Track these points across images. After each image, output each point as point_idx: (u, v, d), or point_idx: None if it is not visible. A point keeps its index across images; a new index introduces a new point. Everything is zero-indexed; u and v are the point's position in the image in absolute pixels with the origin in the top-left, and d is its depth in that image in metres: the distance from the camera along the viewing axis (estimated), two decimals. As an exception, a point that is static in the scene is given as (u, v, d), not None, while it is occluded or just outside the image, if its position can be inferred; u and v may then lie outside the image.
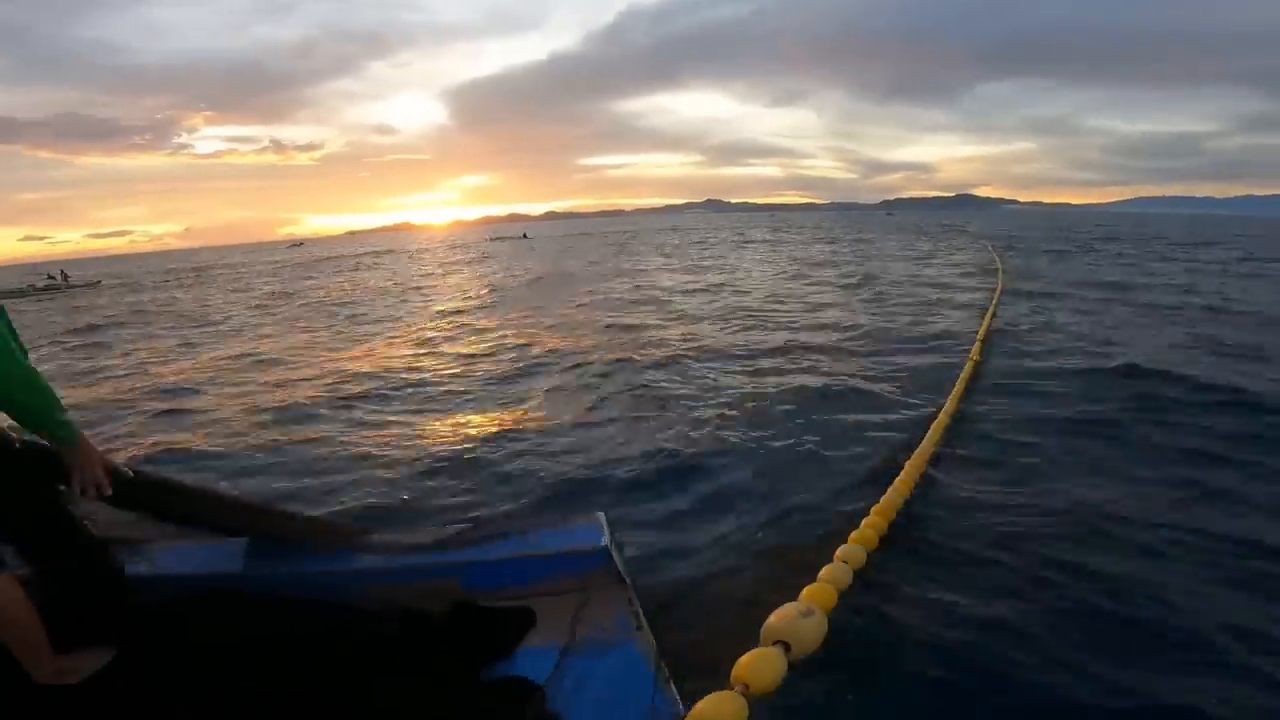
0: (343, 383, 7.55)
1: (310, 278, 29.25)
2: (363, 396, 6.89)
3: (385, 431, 5.64)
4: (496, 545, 1.91)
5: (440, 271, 27.98)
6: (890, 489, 3.00)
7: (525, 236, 72.37)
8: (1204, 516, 3.36)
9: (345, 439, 5.41)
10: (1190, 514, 3.39)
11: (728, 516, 3.56)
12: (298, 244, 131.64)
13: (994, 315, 8.96)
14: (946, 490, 3.66)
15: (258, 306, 17.81)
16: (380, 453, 5.00)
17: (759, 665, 1.41)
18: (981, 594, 2.65)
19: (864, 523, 2.53)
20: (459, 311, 13.76)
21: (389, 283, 23.28)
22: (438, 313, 13.82)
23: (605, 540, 1.86)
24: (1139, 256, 21.55)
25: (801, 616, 1.56)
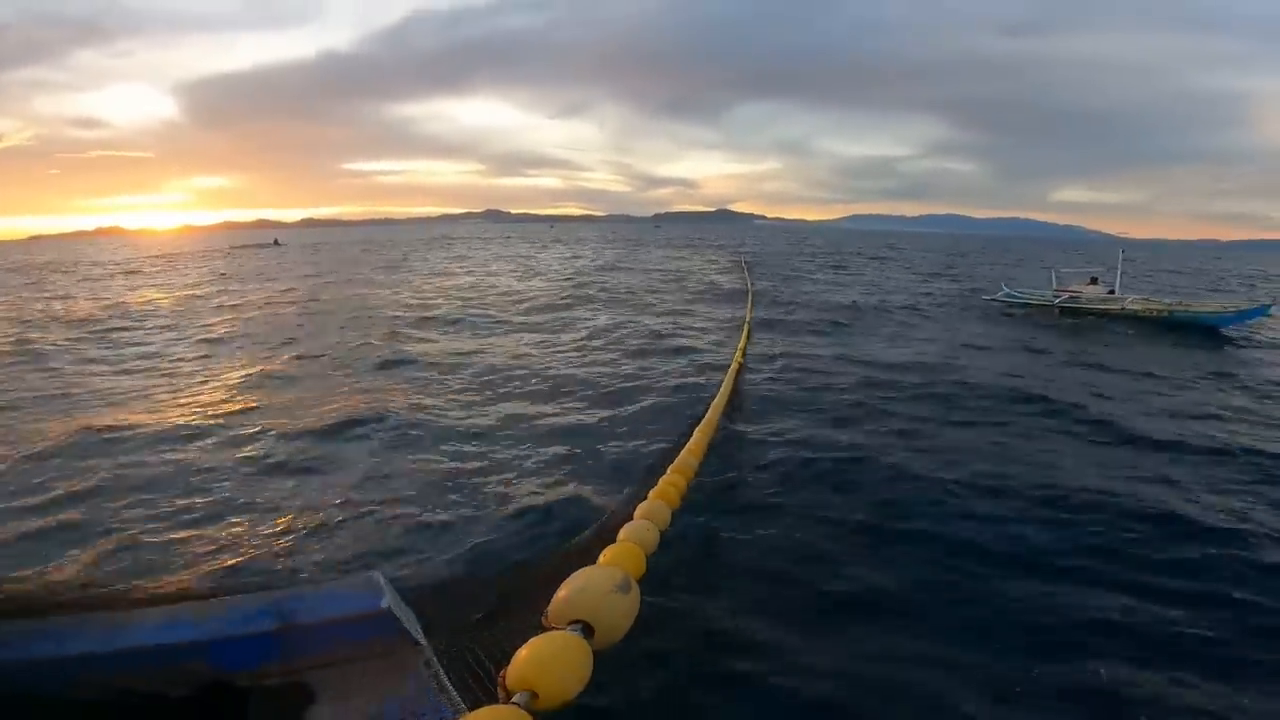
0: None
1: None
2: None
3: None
4: (253, 616, 1.51)
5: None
6: (684, 450, 3.04)
7: (276, 243, 63.99)
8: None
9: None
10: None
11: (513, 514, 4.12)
12: None
13: (751, 311, 10.26)
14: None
15: None
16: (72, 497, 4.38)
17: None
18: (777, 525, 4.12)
19: (662, 480, 2.44)
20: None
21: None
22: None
23: (386, 601, 1.52)
24: (845, 265, 30.37)
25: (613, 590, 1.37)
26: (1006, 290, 17.36)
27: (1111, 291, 15.07)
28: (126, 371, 8.73)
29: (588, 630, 1.19)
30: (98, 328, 12.42)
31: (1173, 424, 6.38)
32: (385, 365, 8.58)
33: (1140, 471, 5.05)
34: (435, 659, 1.51)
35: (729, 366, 6.50)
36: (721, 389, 5.13)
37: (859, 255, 40.76)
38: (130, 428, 6.04)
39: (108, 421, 6.23)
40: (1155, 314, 13.46)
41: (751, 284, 17.99)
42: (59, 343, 10.86)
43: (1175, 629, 3.11)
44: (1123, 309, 13.86)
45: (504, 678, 1.06)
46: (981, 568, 3.60)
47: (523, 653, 1.09)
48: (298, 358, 9.21)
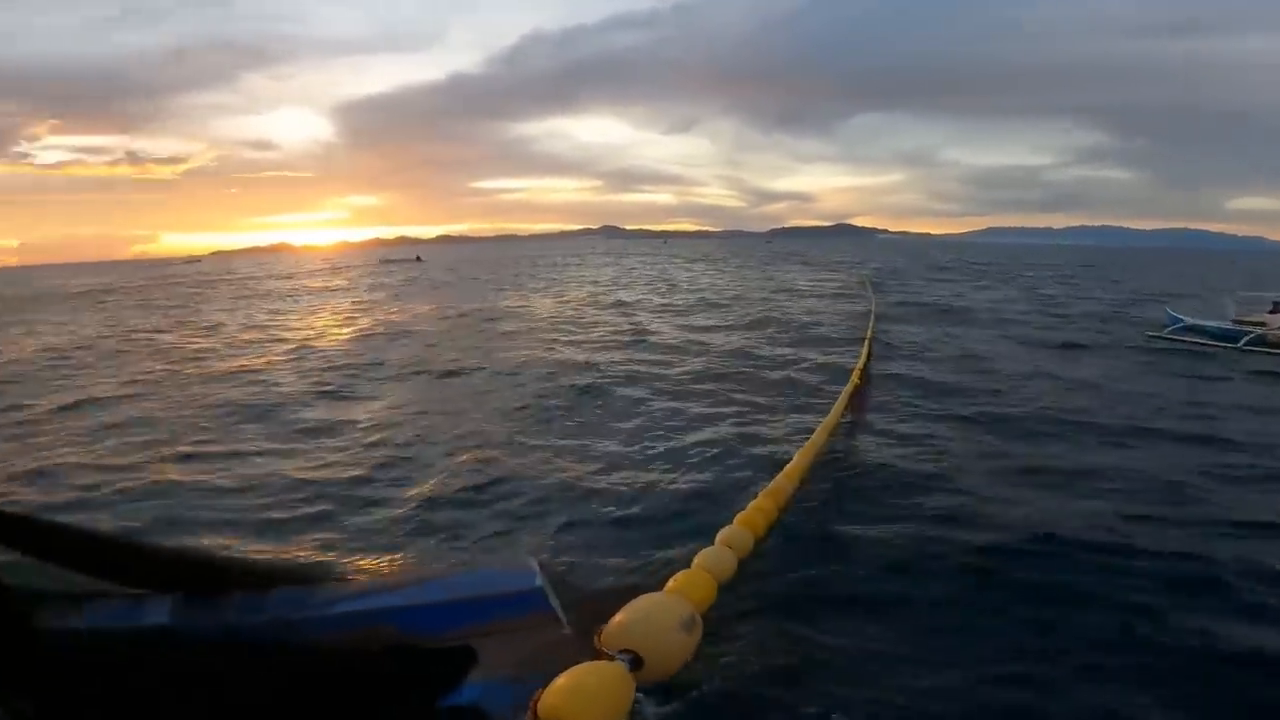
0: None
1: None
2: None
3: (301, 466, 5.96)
4: (431, 589, 1.89)
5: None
6: (780, 475, 2.85)
7: (419, 259, 69.65)
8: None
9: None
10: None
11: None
12: (195, 260, 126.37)
13: (872, 332, 9.77)
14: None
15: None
16: (295, 490, 5.41)
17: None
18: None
19: (751, 505, 2.31)
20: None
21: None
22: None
23: (539, 580, 1.82)
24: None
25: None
26: (1175, 319, 13.10)
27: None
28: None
29: (636, 662, 1.14)
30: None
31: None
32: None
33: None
34: (573, 633, 1.70)
35: (843, 387, 6.15)
36: (832, 412, 4.83)
37: (995, 270, 37.42)
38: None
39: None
40: None
41: (875, 304, 16.82)
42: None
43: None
44: None
45: (535, 705, 1.02)
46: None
47: (561, 680, 1.05)
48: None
